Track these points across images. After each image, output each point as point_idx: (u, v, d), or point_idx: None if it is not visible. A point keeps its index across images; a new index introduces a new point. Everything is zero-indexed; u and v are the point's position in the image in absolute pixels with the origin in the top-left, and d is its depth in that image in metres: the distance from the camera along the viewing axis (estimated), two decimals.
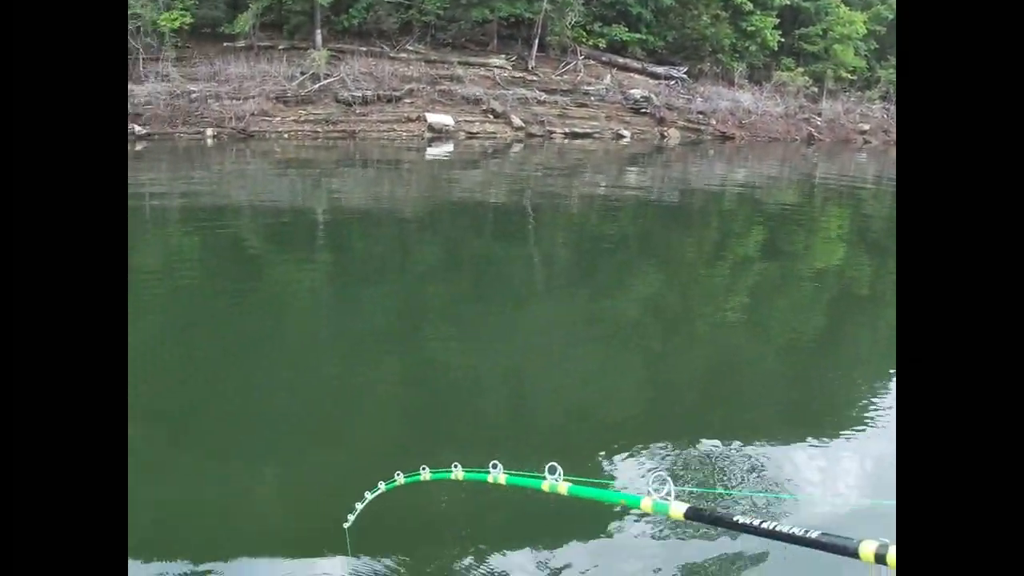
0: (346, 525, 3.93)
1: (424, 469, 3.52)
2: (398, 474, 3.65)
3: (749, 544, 4.55)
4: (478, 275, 12.15)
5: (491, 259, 13.22)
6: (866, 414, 6.99)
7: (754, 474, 5.79)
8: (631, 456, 6.00)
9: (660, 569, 4.53)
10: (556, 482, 2.54)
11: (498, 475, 3.02)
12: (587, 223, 16.96)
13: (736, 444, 6.16)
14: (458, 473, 3.27)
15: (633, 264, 13.19)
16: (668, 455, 6.03)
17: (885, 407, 6.99)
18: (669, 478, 2.10)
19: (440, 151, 29.17)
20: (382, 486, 3.75)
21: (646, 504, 2.16)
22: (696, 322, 10.17)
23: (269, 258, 13.14)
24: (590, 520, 5.07)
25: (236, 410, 6.78)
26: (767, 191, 22.34)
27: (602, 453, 6.11)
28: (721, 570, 4.54)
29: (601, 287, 11.46)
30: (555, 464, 2.57)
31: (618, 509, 5.05)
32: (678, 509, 2.03)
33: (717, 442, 6.14)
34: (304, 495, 5.39)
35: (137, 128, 28.22)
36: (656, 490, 2.12)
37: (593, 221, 17.16)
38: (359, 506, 3.87)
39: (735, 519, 1.92)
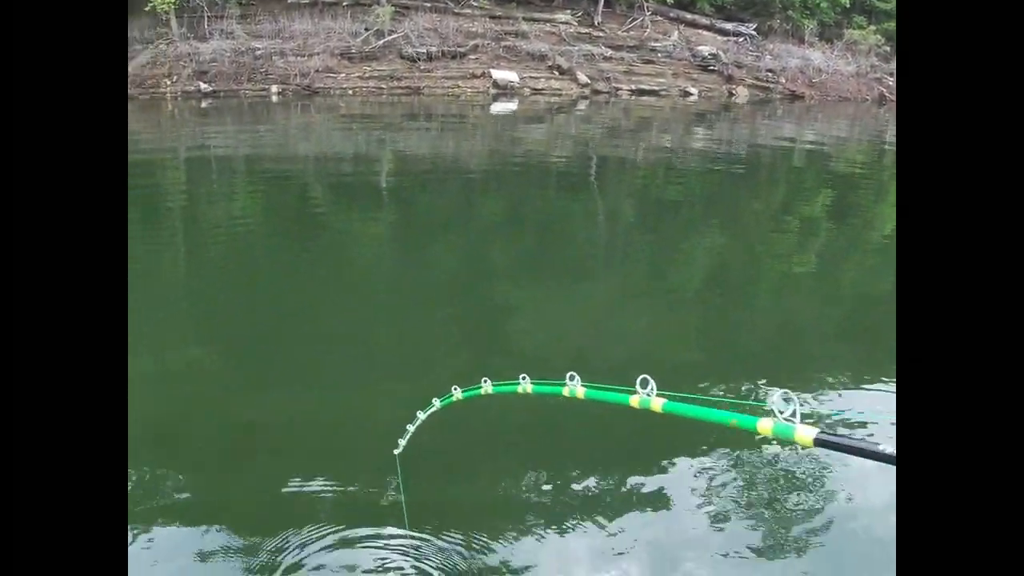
0: (396, 451, 4.02)
1: (456, 389, 3.56)
2: (435, 400, 3.78)
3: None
4: (541, 231, 12.15)
5: (554, 216, 13.20)
6: None
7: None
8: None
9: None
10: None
11: (527, 386, 3.06)
12: (652, 181, 16.83)
13: (806, 395, 6.13)
14: (487, 387, 3.30)
15: (698, 223, 13.09)
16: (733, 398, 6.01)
17: None
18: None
19: (505, 108, 29.08)
20: (420, 415, 3.87)
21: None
22: (761, 282, 10.08)
23: (333, 211, 13.27)
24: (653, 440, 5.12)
25: (299, 343, 7.16)
26: (837, 152, 21.94)
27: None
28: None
29: (665, 245, 11.40)
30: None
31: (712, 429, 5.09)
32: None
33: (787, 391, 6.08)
34: (359, 422, 5.88)
35: (203, 86, 28.53)
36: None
37: (658, 179, 17.02)
38: (410, 428, 3.95)
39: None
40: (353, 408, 6.13)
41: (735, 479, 5.22)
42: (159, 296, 8.84)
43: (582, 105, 30.55)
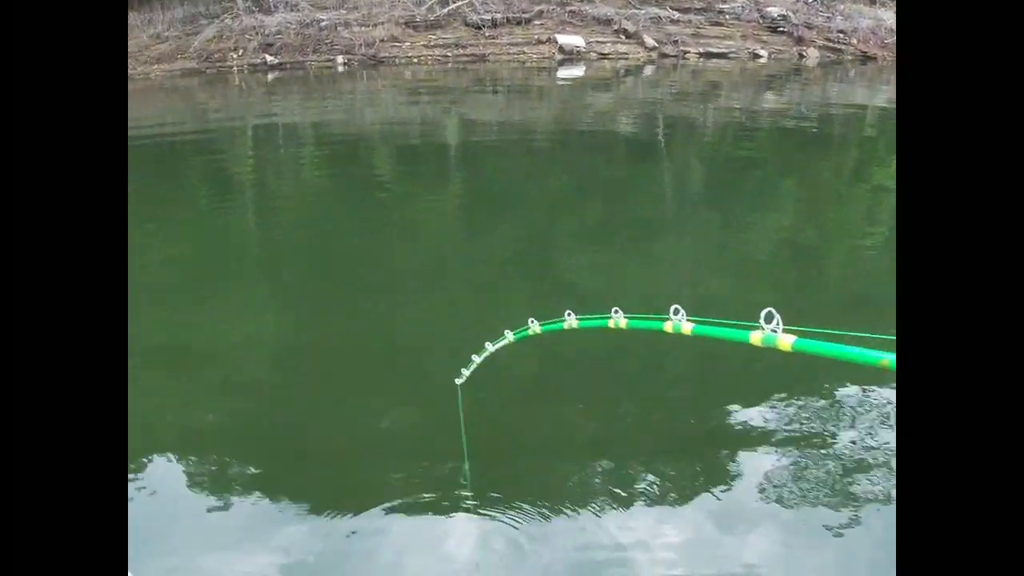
0: (459, 381, 4.11)
1: (532, 321, 3.60)
2: (507, 332, 3.83)
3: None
4: (609, 197, 12.11)
5: (622, 184, 13.15)
6: None
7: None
8: (759, 375, 6.05)
9: None
10: (680, 322, 2.49)
11: (572, 322, 3.15)
12: (721, 147, 16.64)
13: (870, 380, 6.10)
14: (571, 321, 3.32)
15: (768, 190, 12.93)
16: (796, 371, 6.03)
17: None
18: (776, 313, 2.07)
19: (571, 73, 28.91)
20: (490, 345, 3.98)
21: (755, 337, 2.13)
22: (832, 253, 9.96)
23: (399, 177, 13.37)
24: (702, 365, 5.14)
25: (367, 291, 7.74)
26: None
27: (727, 373, 6.15)
28: None
29: (734, 215, 11.30)
30: (678, 307, 2.51)
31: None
32: (786, 341, 2.03)
33: (852, 384, 6.08)
34: (424, 354, 6.44)
35: (268, 58, 28.81)
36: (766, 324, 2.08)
37: (728, 145, 16.83)
38: (475, 359, 4.03)
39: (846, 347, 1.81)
40: (419, 346, 6.70)
41: (803, 432, 5.21)
42: (233, 251, 9.16)
43: (649, 70, 30.23)
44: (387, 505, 4.57)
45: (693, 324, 2.47)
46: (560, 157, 15.18)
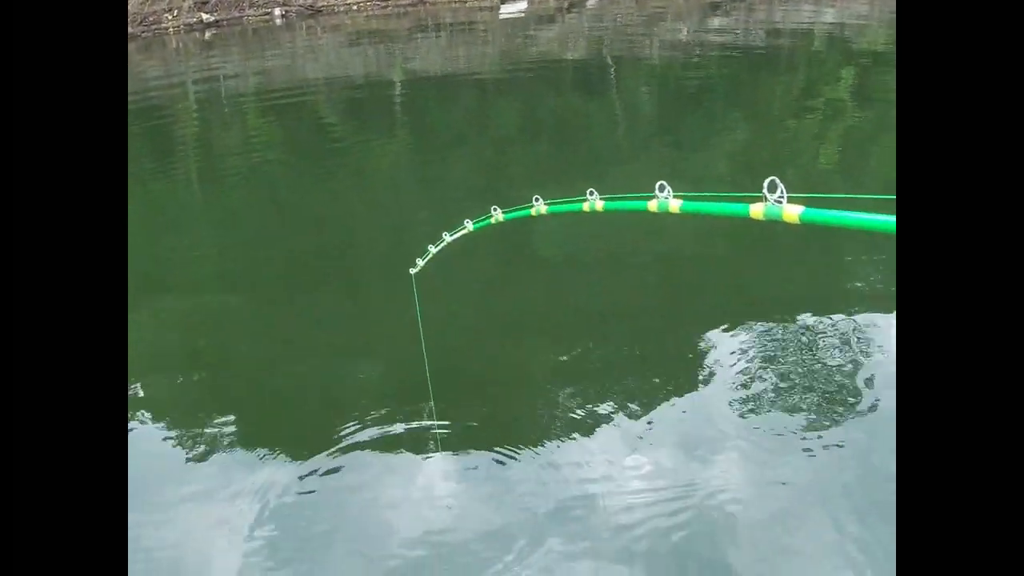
0: (413, 271, 4.14)
1: (496, 209, 3.69)
2: (466, 222, 3.91)
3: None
4: (559, 135, 12.08)
5: (572, 117, 13.10)
6: None
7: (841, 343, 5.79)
8: (718, 295, 6.13)
9: None
10: (667, 200, 2.31)
11: (541, 207, 3.15)
12: (670, 74, 16.60)
13: (831, 300, 6.20)
14: (540, 207, 3.27)
15: (718, 116, 12.95)
16: (756, 298, 6.09)
17: None
18: (780, 183, 1.83)
19: (514, 9, 28.60)
20: (448, 236, 4.00)
21: (756, 210, 1.90)
22: (785, 172, 10.01)
23: (347, 127, 13.24)
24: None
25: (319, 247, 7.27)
26: (857, 33, 21.49)
27: (687, 294, 6.23)
28: None
29: (685, 141, 11.31)
30: (663, 182, 2.31)
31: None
32: (793, 211, 1.79)
33: (814, 303, 6.15)
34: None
35: (204, 16, 28.26)
36: (770, 194, 1.84)
37: (676, 71, 16.79)
38: (432, 249, 4.07)
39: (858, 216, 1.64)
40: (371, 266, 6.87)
41: (767, 351, 5.28)
42: (183, 218, 9.07)
43: (593, 2, 29.99)
44: (357, 442, 4.63)
45: (682, 200, 2.29)
46: (507, 97, 15.07)
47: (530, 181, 9.57)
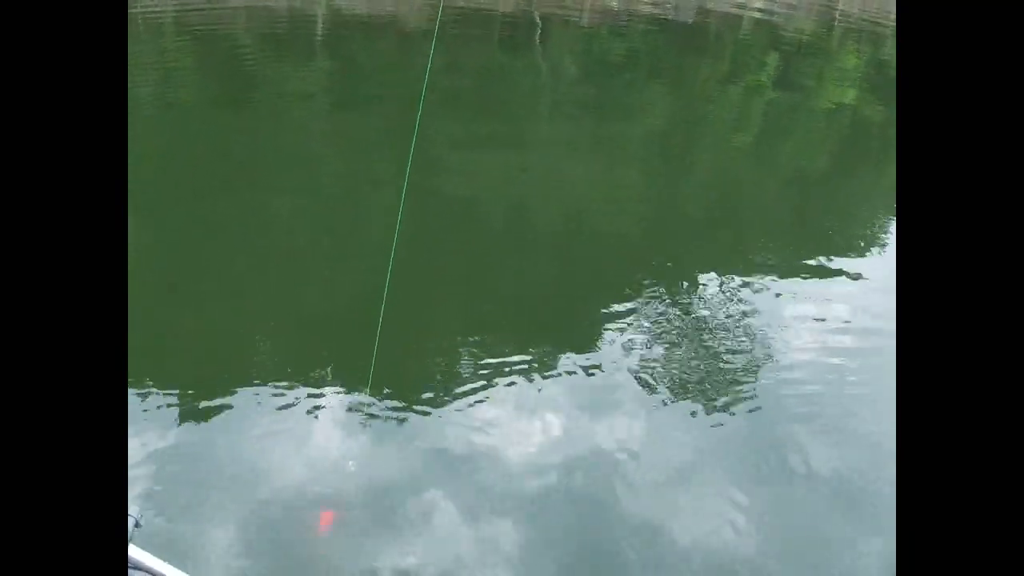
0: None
1: None
2: None
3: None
4: (482, 88, 12.10)
5: (496, 73, 13.13)
6: (863, 246, 7.25)
7: (742, 303, 6.04)
8: (625, 264, 6.29)
9: None
10: None
11: None
12: (596, 39, 16.69)
13: (729, 271, 6.43)
14: None
15: (642, 86, 13.13)
16: (663, 264, 6.29)
17: (879, 248, 7.24)
18: None
19: None
20: None
21: None
22: (701, 150, 10.25)
23: (267, 69, 13.01)
24: None
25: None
26: (786, 20, 21.89)
27: (595, 261, 6.39)
28: None
29: (608, 108, 11.47)
30: None
31: None
32: None
33: (713, 274, 6.38)
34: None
35: None
36: None
37: (603, 38, 16.89)
38: None
39: None
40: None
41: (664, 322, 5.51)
42: None
43: None
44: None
45: None
46: (429, 46, 14.93)
47: (446, 138, 9.60)
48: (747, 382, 5.11)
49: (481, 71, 13.26)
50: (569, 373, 5.07)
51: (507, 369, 5.02)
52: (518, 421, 4.62)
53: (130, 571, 1.94)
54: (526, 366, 5.07)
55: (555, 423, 4.63)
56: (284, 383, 4.74)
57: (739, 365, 5.28)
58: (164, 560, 1.95)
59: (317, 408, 4.57)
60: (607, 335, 5.49)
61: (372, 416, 4.55)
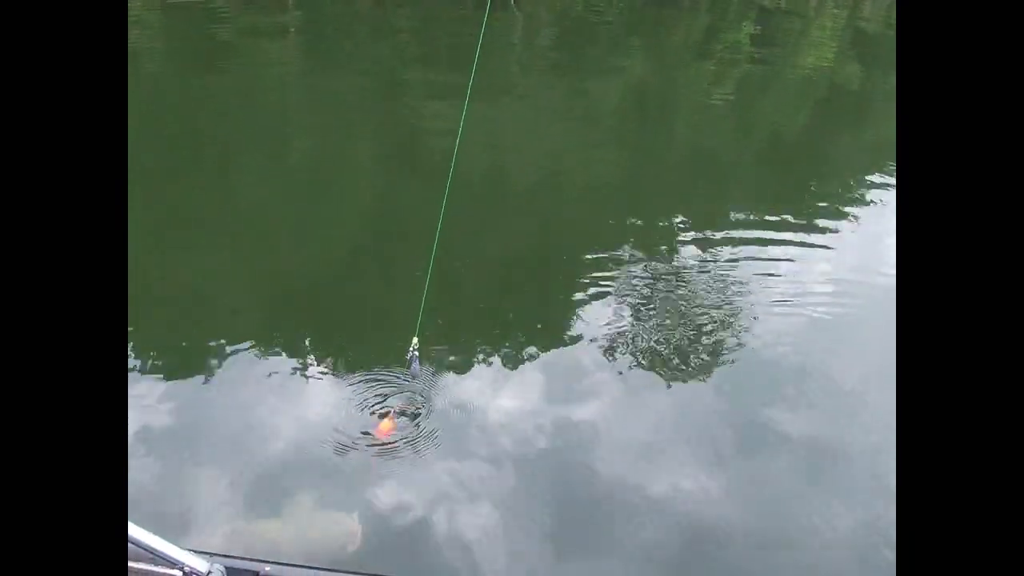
0: None
1: None
2: None
3: None
4: (454, 48, 12.01)
5: (470, 28, 13.02)
6: (842, 206, 7.33)
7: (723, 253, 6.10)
8: (605, 222, 6.33)
9: None
10: None
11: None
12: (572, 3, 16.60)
13: (706, 223, 6.50)
14: None
15: (619, 45, 13.08)
16: (639, 226, 6.33)
17: (857, 206, 7.32)
18: None
19: None
20: None
21: None
22: (679, 109, 10.25)
23: (238, 24, 12.85)
24: None
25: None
26: None
27: (576, 219, 6.42)
28: None
29: (582, 67, 11.45)
30: None
31: None
32: None
33: (691, 232, 6.44)
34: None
35: None
36: None
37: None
38: None
39: None
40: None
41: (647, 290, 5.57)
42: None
43: None
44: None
45: None
46: (404, 4, 14.78)
47: (426, 93, 9.56)
48: (726, 340, 5.15)
49: (453, 26, 13.11)
50: (544, 334, 5.10)
51: (480, 329, 5.04)
52: (492, 381, 4.65)
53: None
54: (501, 326, 5.09)
55: (530, 382, 4.66)
56: (269, 347, 4.77)
57: (718, 321, 5.32)
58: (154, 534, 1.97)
59: (300, 371, 4.60)
60: (582, 295, 5.51)
61: (339, 373, 4.60)
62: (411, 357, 3.88)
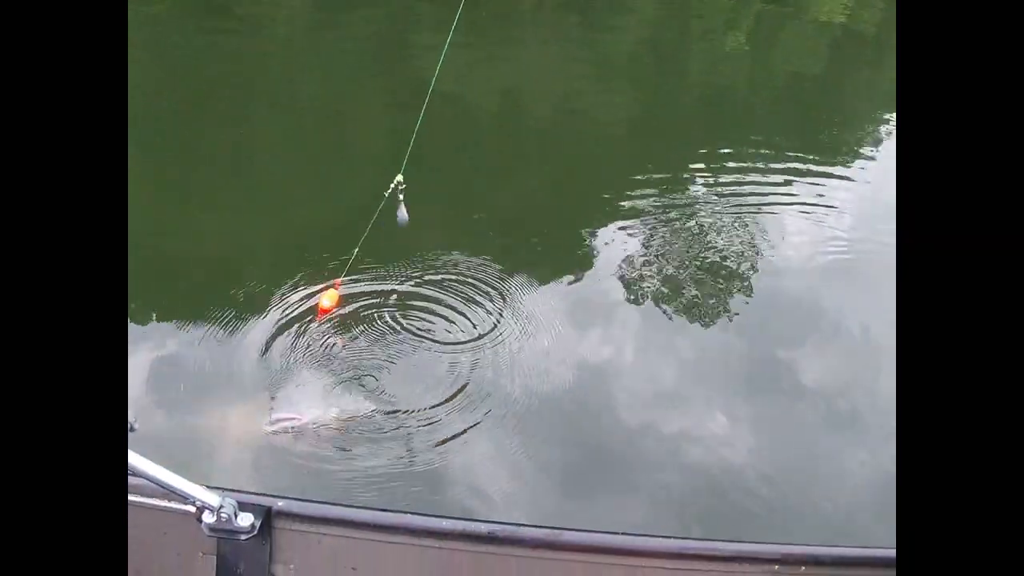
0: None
1: None
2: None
3: None
4: None
5: None
6: (860, 148, 7.26)
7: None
8: (616, 166, 6.29)
9: None
10: None
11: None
12: None
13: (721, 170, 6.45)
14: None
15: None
16: (651, 174, 6.30)
17: (874, 150, 7.24)
18: None
19: None
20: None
21: None
22: (692, 56, 10.15)
23: None
24: None
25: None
26: None
27: (587, 160, 6.39)
28: None
29: (594, 18, 11.34)
30: None
31: None
32: None
33: (707, 175, 6.39)
34: None
35: None
36: None
37: None
38: None
39: None
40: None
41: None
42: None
43: None
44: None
45: None
46: None
47: (434, 35, 9.48)
48: (742, 286, 5.14)
49: None
50: (561, 277, 5.10)
51: (496, 272, 5.03)
52: (509, 324, 4.65)
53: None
54: (516, 270, 5.06)
55: (547, 325, 4.66)
56: (274, 288, 4.78)
57: (733, 268, 5.29)
58: (160, 464, 1.96)
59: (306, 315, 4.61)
60: (599, 238, 5.51)
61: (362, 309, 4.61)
62: (397, 200, 3.53)
